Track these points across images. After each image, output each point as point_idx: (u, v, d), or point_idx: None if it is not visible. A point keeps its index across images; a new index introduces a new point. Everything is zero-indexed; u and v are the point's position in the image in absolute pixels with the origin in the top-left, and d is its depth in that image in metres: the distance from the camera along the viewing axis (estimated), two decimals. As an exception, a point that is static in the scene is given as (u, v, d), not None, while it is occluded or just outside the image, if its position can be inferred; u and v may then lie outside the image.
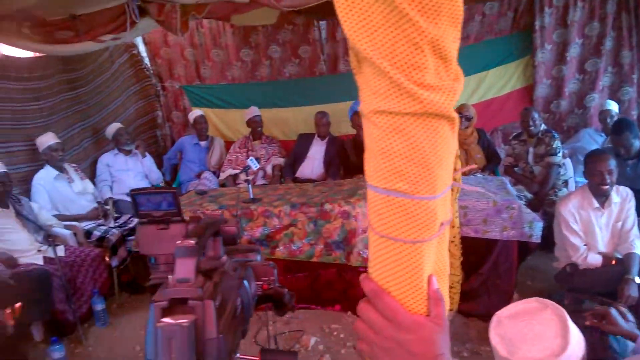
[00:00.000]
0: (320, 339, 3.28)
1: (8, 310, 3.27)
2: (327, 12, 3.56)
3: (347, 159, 4.90)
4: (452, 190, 2.38)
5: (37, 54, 4.11)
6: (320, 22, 5.29)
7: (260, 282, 0.94)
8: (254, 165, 3.68)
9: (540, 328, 1.16)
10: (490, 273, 3.23)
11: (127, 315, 3.87)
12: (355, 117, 4.84)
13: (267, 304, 0.97)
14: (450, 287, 2.97)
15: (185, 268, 0.59)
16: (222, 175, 5.23)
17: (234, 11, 2.50)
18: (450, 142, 0.57)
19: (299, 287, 3.54)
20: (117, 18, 2.28)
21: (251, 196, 3.62)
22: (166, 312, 0.55)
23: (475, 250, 3.08)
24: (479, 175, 4.17)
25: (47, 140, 4.15)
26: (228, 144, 5.66)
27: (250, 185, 3.68)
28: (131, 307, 4.02)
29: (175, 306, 0.56)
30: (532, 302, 1.24)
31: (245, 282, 0.88)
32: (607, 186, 2.92)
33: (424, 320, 0.59)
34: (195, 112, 5.54)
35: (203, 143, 5.50)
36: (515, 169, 4.46)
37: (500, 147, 5.18)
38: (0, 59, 3.88)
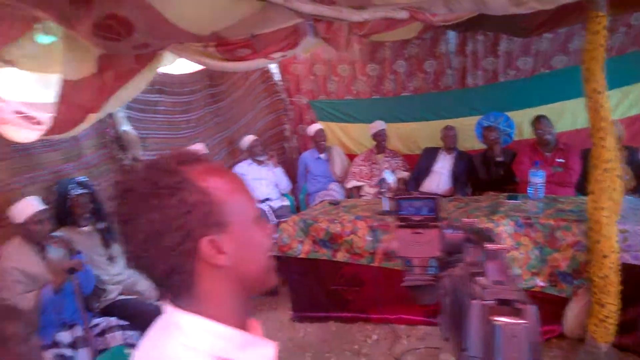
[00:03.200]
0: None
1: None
2: (475, 24, 3.51)
3: (475, 174, 4.80)
4: (613, 212, 2.23)
5: (190, 72, 4.53)
6: (449, 35, 5.24)
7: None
8: (389, 178, 3.73)
9: None
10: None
11: (263, 317, 4.01)
12: (487, 132, 4.73)
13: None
14: (606, 318, 2.79)
15: (497, 270, 0.62)
16: (347, 186, 5.36)
17: (388, 28, 2.58)
18: None
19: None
20: (288, 37, 2.45)
21: (387, 208, 3.67)
22: (493, 311, 0.59)
23: (635, 279, 2.85)
24: (629, 197, 3.87)
25: (197, 150, 4.51)
26: (351, 156, 5.77)
27: (386, 198, 3.72)
28: (266, 309, 4.18)
29: (500, 307, 0.59)
30: None
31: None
32: None
33: None
34: (315, 126, 5.73)
35: (323, 155, 5.66)
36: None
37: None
38: (161, 77, 4.31)
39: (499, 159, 4.62)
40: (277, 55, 2.58)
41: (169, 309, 0.78)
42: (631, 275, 2.81)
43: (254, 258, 0.80)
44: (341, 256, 3.70)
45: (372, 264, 3.60)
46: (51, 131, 2.65)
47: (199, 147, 4.53)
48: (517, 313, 0.58)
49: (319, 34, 2.43)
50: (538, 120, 4.31)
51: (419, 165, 5.23)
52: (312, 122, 6.05)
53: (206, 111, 5.10)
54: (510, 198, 3.72)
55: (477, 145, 5.16)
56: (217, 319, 0.76)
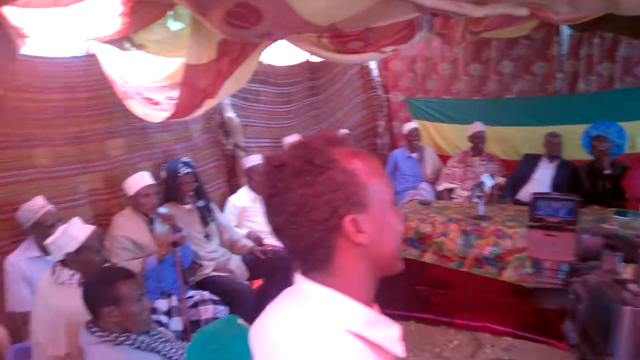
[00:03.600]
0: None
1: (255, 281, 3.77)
2: (595, 24, 3.30)
3: (579, 186, 4.52)
4: None
5: (293, 63, 4.66)
6: (562, 37, 4.97)
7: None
8: (488, 181, 3.62)
9: None
10: None
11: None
12: (595, 142, 4.44)
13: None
14: None
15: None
16: (439, 188, 5.25)
17: (503, 25, 2.49)
18: None
19: (522, 312, 3.38)
20: (402, 30, 2.45)
21: (481, 213, 3.56)
22: None
23: None
24: None
25: (291, 140, 4.64)
26: (445, 157, 5.65)
27: (481, 202, 3.62)
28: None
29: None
30: None
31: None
32: None
33: None
34: (410, 124, 5.65)
35: (415, 155, 5.58)
36: None
37: None
38: (264, 67, 4.48)
39: (607, 171, 4.33)
40: (389, 48, 2.59)
41: (303, 281, 0.82)
42: None
43: (388, 240, 0.83)
44: (428, 257, 3.65)
45: (461, 269, 3.52)
46: (173, 115, 2.85)
47: (295, 138, 4.65)
48: None
49: (434, 28, 2.41)
50: None
51: (518, 171, 5.02)
52: (407, 120, 6.00)
53: (304, 103, 5.22)
54: (619, 214, 3.48)
55: (583, 155, 4.86)
56: (350, 294, 0.79)
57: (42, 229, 2.71)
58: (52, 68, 3.05)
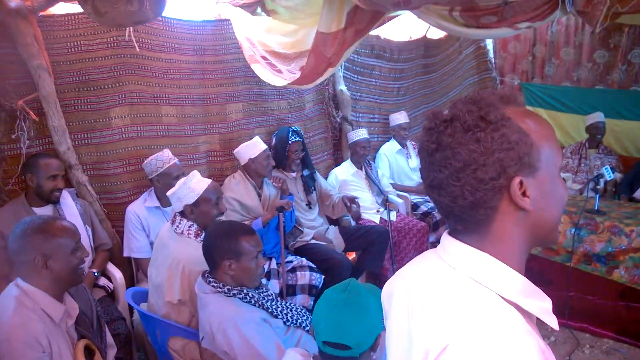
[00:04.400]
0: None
1: (352, 254, 3.85)
2: None
3: None
4: None
5: (409, 39, 4.61)
6: None
7: None
8: (608, 174, 3.42)
9: None
10: None
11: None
12: None
13: None
14: None
15: None
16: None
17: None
18: None
19: (631, 318, 3.19)
20: (542, 6, 2.34)
21: (597, 207, 3.38)
22: None
23: None
24: None
25: (399, 118, 4.63)
26: (557, 148, 5.37)
27: (598, 195, 3.43)
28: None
29: None
30: None
31: None
32: None
33: None
34: None
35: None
36: None
37: None
38: (382, 42, 4.49)
39: None
40: (524, 25, 2.46)
41: (454, 242, 0.81)
42: None
43: (552, 208, 0.80)
44: (533, 248, 3.52)
45: (567, 264, 3.37)
46: (298, 81, 2.90)
47: (401, 116, 4.64)
48: None
49: (576, 5, 2.27)
50: None
51: (637, 169, 4.66)
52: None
53: (416, 81, 5.17)
54: None
55: None
56: (504, 260, 0.77)
57: (166, 180, 2.87)
58: (184, 30, 3.21)
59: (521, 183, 0.75)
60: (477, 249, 0.78)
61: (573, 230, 3.32)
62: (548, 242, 0.86)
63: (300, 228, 3.60)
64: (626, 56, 5.08)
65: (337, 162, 4.45)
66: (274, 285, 3.17)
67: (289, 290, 3.19)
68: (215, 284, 2.00)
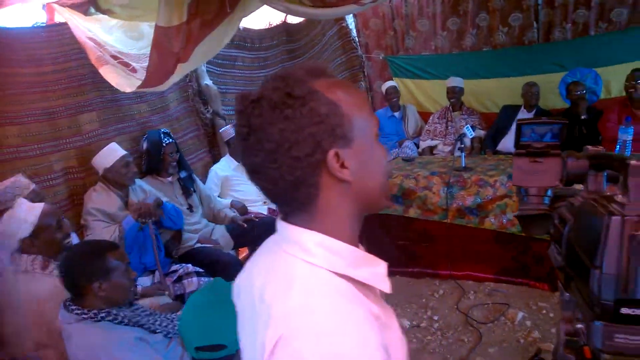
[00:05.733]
0: (527, 314, 3.16)
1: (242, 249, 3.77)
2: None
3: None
4: None
5: (269, 26, 4.57)
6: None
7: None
8: (469, 133, 3.64)
9: None
10: None
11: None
12: (572, 87, 4.47)
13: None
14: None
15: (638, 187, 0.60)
16: (422, 145, 5.27)
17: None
18: None
19: (507, 258, 3.46)
20: (380, -20, 2.38)
21: (463, 164, 3.59)
22: (634, 226, 0.57)
23: None
24: None
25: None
26: (426, 114, 5.64)
27: (463, 154, 3.65)
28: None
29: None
30: None
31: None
32: None
33: None
34: (388, 83, 5.61)
35: (397, 114, 5.57)
36: None
37: None
38: (240, 31, 4.39)
39: (584, 117, 4.36)
40: (367, 0, 2.49)
41: (286, 225, 0.79)
42: None
43: (373, 176, 0.80)
44: (413, 212, 3.69)
45: (444, 221, 3.57)
46: (145, 82, 2.73)
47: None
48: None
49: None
50: (633, 75, 4.00)
51: (497, 123, 5.03)
52: (389, 79, 5.95)
53: (282, 67, 5.15)
54: (594, 157, 3.51)
55: (560, 104, 4.89)
56: (334, 235, 0.76)
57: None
58: (13, 39, 2.89)
59: (337, 155, 0.74)
60: (307, 228, 0.77)
61: (445, 189, 3.51)
62: (378, 208, 0.85)
63: (182, 234, 3.43)
64: (474, 21, 5.43)
65: (216, 159, 4.33)
66: (164, 298, 2.95)
67: (179, 300, 2.99)
68: (79, 311, 1.81)
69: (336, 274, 0.73)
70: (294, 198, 0.76)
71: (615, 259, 0.57)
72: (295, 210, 0.78)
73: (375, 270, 0.79)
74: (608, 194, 0.73)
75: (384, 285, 0.80)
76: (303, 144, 0.71)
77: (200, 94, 4.21)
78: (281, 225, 0.80)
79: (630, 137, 3.36)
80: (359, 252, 0.79)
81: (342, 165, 0.74)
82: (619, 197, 0.61)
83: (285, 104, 0.71)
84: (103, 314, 1.82)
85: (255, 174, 0.77)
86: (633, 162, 0.59)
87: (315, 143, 0.71)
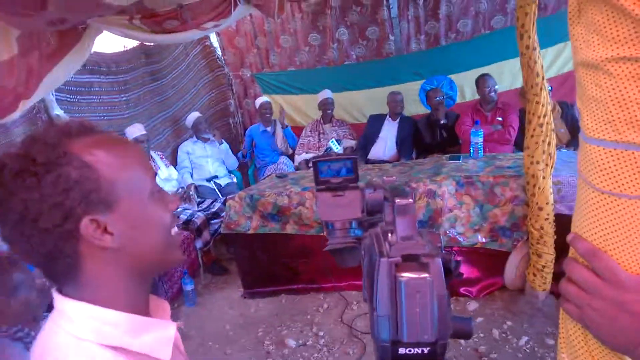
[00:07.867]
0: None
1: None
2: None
3: (420, 138, 4.87)
4: (547, 165, 2.31)
5: (124, 49, 4.32)
6: (390, 1, 5.21)
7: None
8: (335, 147, 3.72)
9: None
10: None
11: (213, 295, 4.03)
12: (431, 94, 4.79)
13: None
14: (543, 267, 2.91)
15: (406, 226, 0.60)
16: (297, 159, 5.32)
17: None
18: None
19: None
20: (219, 5, 2.34)
21: (333, 178, 3.66)
22: (399, 268, 0.57)
23: (570, 229, 2.98)
24: (563, 150, 4.02)
25: (134, 132, 4.36)
26: (298, 129, 5.73)
27: (332, 167, 3.72)
28: (216, 288, 4.17)
29: (406, 263, 0.58)
30: None
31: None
32: None
33: None
34: (261, 99, 5.64)
35: (269, 128, 5.59)
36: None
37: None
38: (92, 56, 4.10)
39: (443, 121, 4.69)
40: (210, 25, 2.46)
41: (58, 298, 0.73)
42: (566, 225, 2.91)
43: (148, 237, 0.74)
44: (290, 228, 3.68)
45: (320, 234, 3.60)
46: None
47: (136, 129, 4.38)
48: (422, 268, 0.57)
49: (251, 1, 2.34)
50: (482, 78, 4.39)
51: (366, 133, 5.25)
52: (257, 96, 5.96)
53: (145, 90, 4.91)
54: (452, 159, 3.79)
55: (422, 110, 5.23)
56: (108, 304, 0.71)
57: None
58: None
59: (96, 222, 0.68)
60: (77, 299, 0.71)
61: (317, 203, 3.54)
62: (166, 265, 0.81)
63: None
64: (334, 35, 5.62)
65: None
66: None
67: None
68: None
69: (107, 346, 0.68)
70: (55, 270, 0.71)
71: (386, 302, 0.57)
72: (62, 281, 0.73)
73: (161, 335, 0.75)
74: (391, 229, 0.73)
75: (165, 352, 0.75)
76: (49, 215, 0.65)
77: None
78: (55, 298, 0.74)
79: (480, 140, 3.65)
80: (140, 319, 0.74)
81: (105, 231, 0.69)
82: (391, 236, 0.62)
83: (27, 171, 0.64)
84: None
85: (10, 246, 0.70)
86: (398, 200, 0.60)
87: (64, 212, 0.66)
